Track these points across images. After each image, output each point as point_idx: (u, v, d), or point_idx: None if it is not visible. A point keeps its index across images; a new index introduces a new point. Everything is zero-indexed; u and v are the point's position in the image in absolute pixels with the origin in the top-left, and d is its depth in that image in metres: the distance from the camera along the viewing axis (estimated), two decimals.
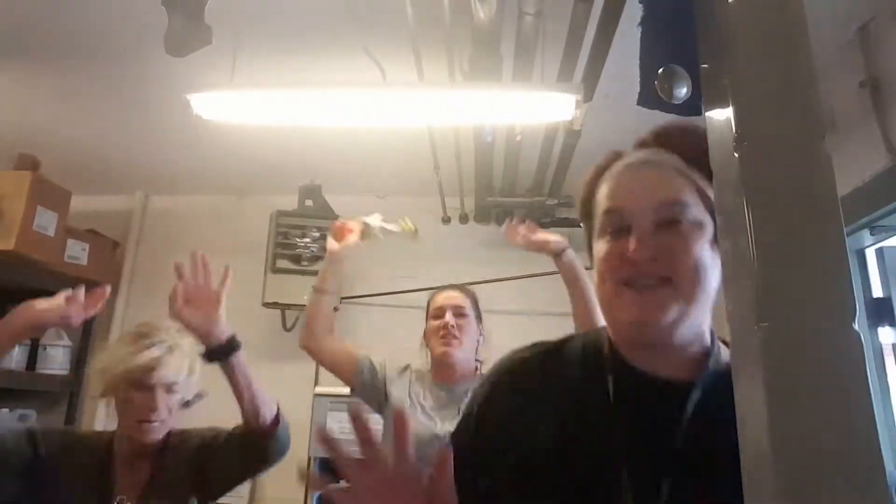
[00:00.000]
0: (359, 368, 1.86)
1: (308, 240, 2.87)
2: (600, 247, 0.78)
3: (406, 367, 1.93)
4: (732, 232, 0.48)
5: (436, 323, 1.88)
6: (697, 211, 0.74)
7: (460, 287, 2.00)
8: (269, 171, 3.04)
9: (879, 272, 1.99)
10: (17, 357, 2.82)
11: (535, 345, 0.88)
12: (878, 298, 1.97)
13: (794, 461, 0.40)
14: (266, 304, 2.87)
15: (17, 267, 2.62)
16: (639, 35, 0.66)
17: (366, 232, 1.94)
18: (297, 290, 2.84)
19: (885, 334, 1.93)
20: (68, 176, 2.81)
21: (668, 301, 0.72)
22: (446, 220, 3.21)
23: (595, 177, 0.85)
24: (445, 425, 1.73)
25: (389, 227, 1.99)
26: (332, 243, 1.91)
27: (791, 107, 0.47)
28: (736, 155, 0.47)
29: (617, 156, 0.84)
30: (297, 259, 2.88)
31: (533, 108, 1.77)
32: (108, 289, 1.52)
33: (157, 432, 1.46)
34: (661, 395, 0.74)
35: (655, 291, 0.72)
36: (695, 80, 0.58)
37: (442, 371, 1.86)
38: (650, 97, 0.61)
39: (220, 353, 1.40)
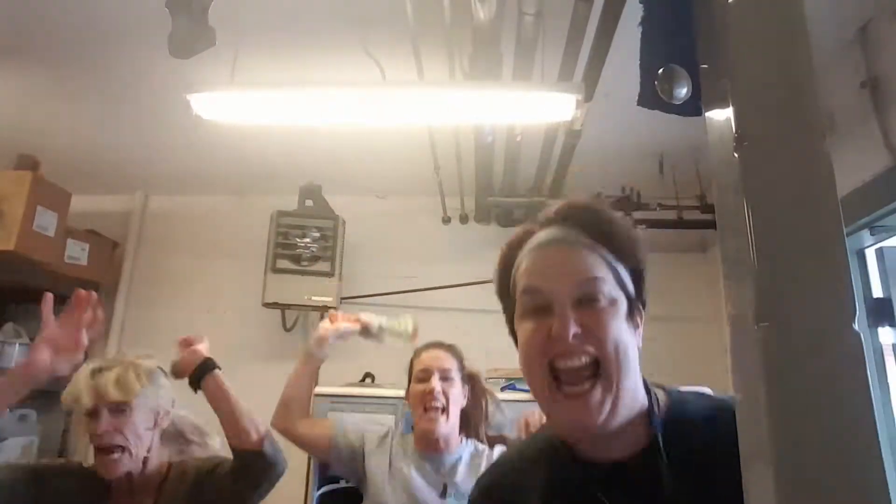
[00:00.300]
0: (332, 445, 1.79)
1: (308, 240, 2.87)
2: (524, 328, 0.79)
3: (386, 434, 1.83)
4: (732, 232, 0.48)
5: (420, 387, 1.74)
6: (612, 286, 0.77)
7: (446, 346, 1.85)
8: (269, 171, 3.04)
9: (879, 272, 1.99)
10: (17, 357, 2.82)
11: (499, 462, 0.95)
12: (878, 298, 1.97)
13: (793, 461, 0.40)
14: (266, 304, 2.86)
15: (17, 267, 2.62)
16: (639, 35, 0.66)
17: (366, 331, 1.87)
18: (297, 290, 2.84)
19: (885, 334, 1.93)
20: (68, 176, 2.80)
21: (599, 400, 0.73)
22: (446, 220, 3.21)
23: (510, 252, 0.85)
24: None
25: (389, 327, 1.89)
26: (323, 326, 1.85)
27: (791, 107, 0.47)
28: (736, 155, 0.47)
29: (528, 232, 0.85)
30: (297, 259, 2.88)
31: (533, 107, 1.77)
32: (94, 295, 1.41)
33: (122, 463, 1.34)
34: (628, 475, 0.76)
35: (587, 396, 0.73)
36: (695, 80, 0.58)
37: (426, 443, 1.76)
38: (650, 97, 0.61)
39: (195, 377, 1.42)
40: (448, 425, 1.72)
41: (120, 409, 1.35)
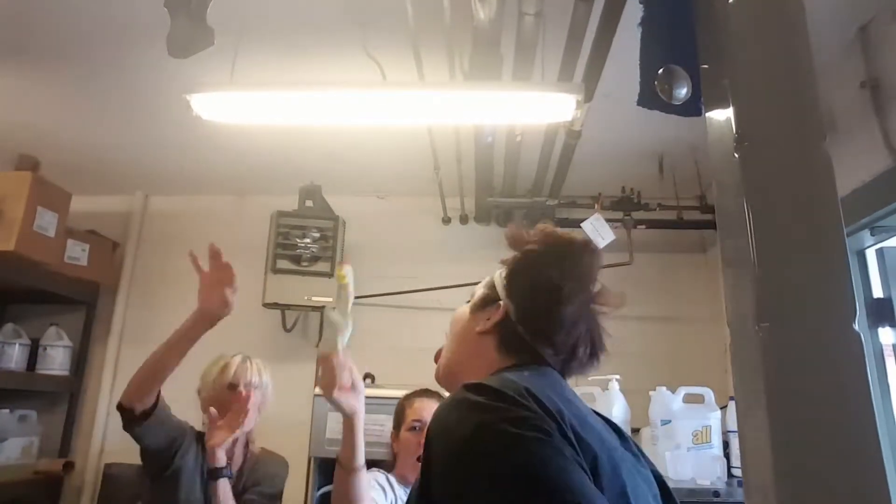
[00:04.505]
0: None
1: (308, 240, 2.87)
2: None
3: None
4: (732, 232, 0.48)
5: (416, 439, 1.80)
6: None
7: (438, 396, 1.89)
8: (269, 172, 3.04)
9: (879, 272, 1.99)
10: (17, 357, 2.82)
11: None
12: (878, 298, 1.97)
13: (794, 460, 0.40)
14: (266, 305, 2.86)
15: (17, 267, 2.62)
16: (639, 35, 0.66)
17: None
18: (297, 290, 2.84)
19: (885, 334, 1.93)
20: (68, 176, 2.80)
21: None
22: (446, 221, 3.21)
23: None
24: None
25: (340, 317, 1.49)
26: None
27: (791, 107, 0.47)
28: (736, 155, 0.47)
29: None
30: (297, 259, 2.87)
31: (533, 108, 1.77)
32: None
33: None
34: None
35: None
36: (695, 81, 0.58)
37: (406, 480, 1.81)
38: (650, 97, 0.61)
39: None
40: None
41: None
